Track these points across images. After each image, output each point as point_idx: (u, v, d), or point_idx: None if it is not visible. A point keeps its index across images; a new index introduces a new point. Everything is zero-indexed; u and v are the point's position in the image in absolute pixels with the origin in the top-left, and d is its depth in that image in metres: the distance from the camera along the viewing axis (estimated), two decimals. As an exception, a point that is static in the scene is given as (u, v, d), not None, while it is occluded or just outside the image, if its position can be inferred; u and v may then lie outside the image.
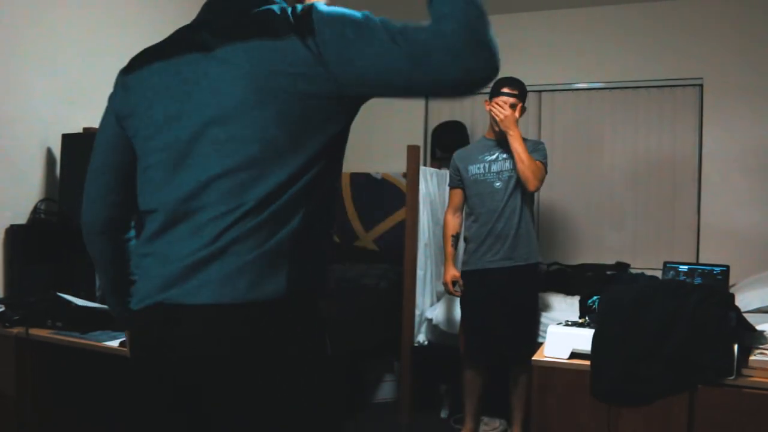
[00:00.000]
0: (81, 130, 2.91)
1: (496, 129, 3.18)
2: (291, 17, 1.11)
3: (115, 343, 2.16)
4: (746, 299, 3.06)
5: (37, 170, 2.82)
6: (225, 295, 1.09)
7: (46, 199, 2.80)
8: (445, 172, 4.18)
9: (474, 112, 4.68)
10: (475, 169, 3.23)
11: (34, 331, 2.29)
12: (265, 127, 1.11)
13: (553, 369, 2.13)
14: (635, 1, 4.19)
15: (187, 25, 1.30)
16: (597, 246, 4.36)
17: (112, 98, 1.39)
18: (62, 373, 2.43)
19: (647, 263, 4.11)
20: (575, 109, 4.44)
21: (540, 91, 4.53)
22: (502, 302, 3.14)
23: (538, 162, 3.11)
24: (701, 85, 4.12)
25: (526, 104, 3.25)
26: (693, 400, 1.97)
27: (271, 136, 1.11)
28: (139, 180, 1.28)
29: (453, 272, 3.27)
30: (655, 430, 2.00)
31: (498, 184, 3.18)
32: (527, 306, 3.22)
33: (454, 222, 3.35)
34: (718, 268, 3.46)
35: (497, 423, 3.42)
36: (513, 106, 3.13)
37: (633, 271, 3.81)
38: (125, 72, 1.35)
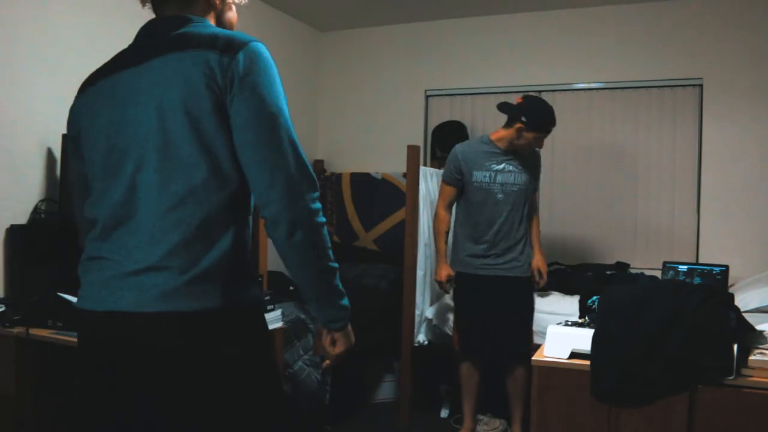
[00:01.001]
0: (81, 130, 2.91)
1: (521, 151, 3.23)
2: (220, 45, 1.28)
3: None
4: (746, 299, 3.06)
5: (37, 170, 2.82)
6: (167, 305, 1.23)
7: (46, 199, 2.80)
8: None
9: (474, 112, 4.68)
10: (480, 176, 3.22)
11: (34, 331, 2.29)
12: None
13: (553, 369, 2.13)
14: (635, 1, 4.19)
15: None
16: (597, 246, 4.35)
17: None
18: (62, 373, 2.43)
19: (647, 263, 4.11)
20: (575, 109, 4.44)
21: (540, 91, 4.53)
22: (496, 304, 3.20)
23: (536, 195, 3.39)
24: (701, 85, 4.12)
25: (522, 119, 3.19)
26: (693, 400, 1.97)
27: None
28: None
29: (447, 270, 3.30)
30: (655, 430, 2.00)
31: (500, 196, 3.19)
32: (521, 309, 3.27)
33: (447, 218, 3.34)
34: (717, 268, 3.46)
35: (497, 423, 3.42)
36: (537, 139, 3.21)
37: (633, 271, 3.82)
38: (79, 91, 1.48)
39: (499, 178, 3.20)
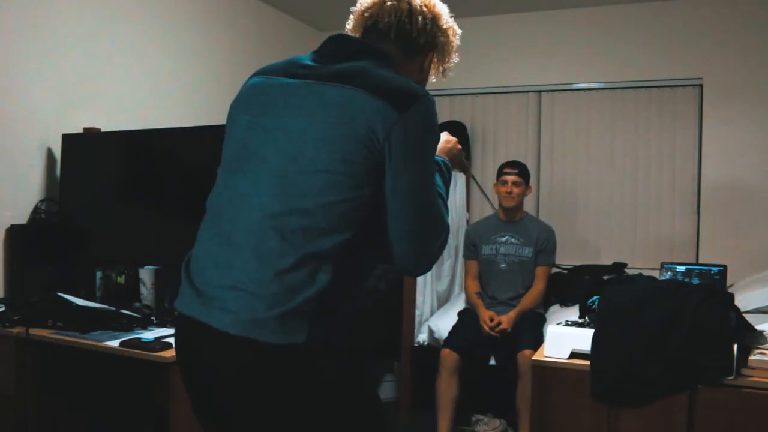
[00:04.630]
0: (81, 130, 2.91)
1: (505, 207, 3.57)
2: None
3: (115, 343, 2.16)
4: (745, 299, 3.05)
5: (37, 170, 2.82)
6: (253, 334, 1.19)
7: (46, 199, 2.80)
8: (445, 172, 4.18)
9: (474, 112, 4.68)
10: (486, 249, 3.59)
11: (34, 331, 2.29)
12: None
13: (553, 369, 2.13)
14: (635, 1, 4.19)
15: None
16: (596, 246, 4.35)
17: None
18: (62, 373, 2.43)
19: (647, 263, 4.11)
20: (575, 109, 4.44)
21: (540, 91, 4.53)
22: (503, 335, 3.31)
23: (543, 269, 3.53)
24: (701, 85, 4.12)
25: (530, 184, 3.65)
26: (693, 400, 1.97)
27: None
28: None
29: (487, 314, 3.38)
30: (655, 430, 2.00)
31: (503, 265, 3.54)
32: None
33: (474, 285, 3.60)
34: (715, 268, 3.46)
35: (497, 423, 3.42)
36: (516, 184, 3.52)
37: (631, 271, 3.82)
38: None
39: (501, 249, 3.56)
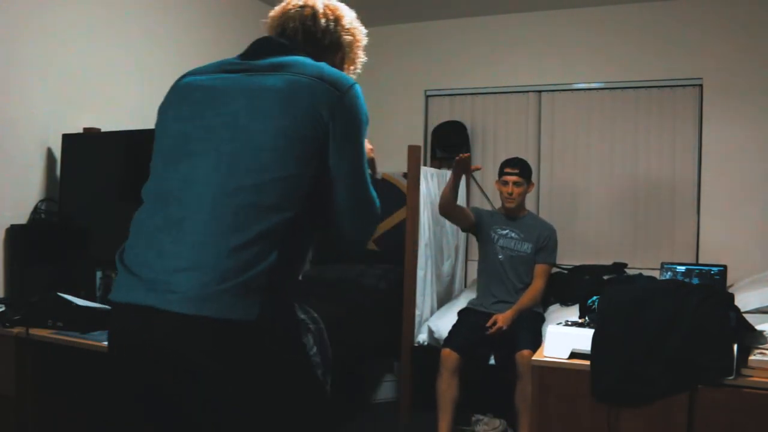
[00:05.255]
0: (81, 130, 2.91)
1: (507, 206, 3.57)
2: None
3: (115, 343, 2.16)
4: (745, 299, 3.06)
5: (37, 170, 2.82)
6: (203, 311, 1.21)
7: (46, 199, 2.80)
8: (446, 172, 4.18)
9: (474, 112, 4.69)
10: (490, 233, 3.60)
11: (34, 331, 2.29)
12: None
13: (553, 369, 2.13)
14: (635, 1, 4.20)
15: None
16: (596, 246, 4.35)
17: None
18: (62, 373, 2.43)
19: (647, 263, 4.11)
20: (575, 109, 4.44)
21: (540, 91, 4.53)
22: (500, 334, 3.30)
23: (542, 267, 3.53)
24: (701, 85, 4.12)
25: (532, 180, 3.64)
26: (693, 400, 1.97)
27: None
28: None
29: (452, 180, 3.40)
30: (655, 430, 2.00)
31: (500, 257, 3.55)
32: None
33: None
34: (715, 268, 3.46)
35: (497, 423, 3.42)
36: (517, 184, 3.50)
37: (631, 271, 3.82)
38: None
39: (500, 242, 3.57)
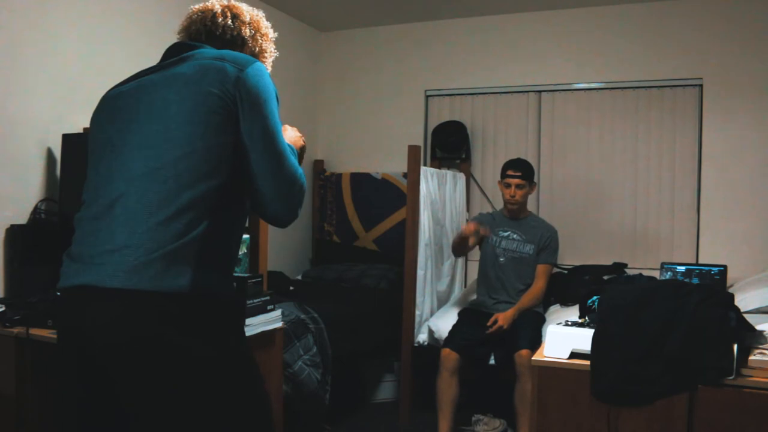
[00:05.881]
0: (81, 130, 2.91)
1: (509, 208, 3.62)
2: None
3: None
4: (745, 299, 3.06)
5: (37, 170, 2.82)
6: (134, 282, 1.28)
7: (46, 199, 2.80)
8: (446, 172, 4.19)
9: (474, 112, 4.69)
10: (492, 236, 3.62)
11: (34, 331, 2.29)
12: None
13: (553, 369, 2.13)
14: (635, 1, 4.19)
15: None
16: (596, 246, 4.35)
17: None
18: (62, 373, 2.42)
19: (647, 263, 4.11)
20: (575, 109, 4.44)
21: (540, 91, 4.53)
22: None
23: (544, 267, 3.55)
24: (701, 85, 4.12)
25: (534, 180, 3.71)
26: (693, 400, 1.97)
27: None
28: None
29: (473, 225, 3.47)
30: (655, 430, 2.00)
31: (502, 259, 3.58)
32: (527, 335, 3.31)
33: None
34: (715, 269, 3.46)
35: (497, 423, 3.42)
36: (519, 186, 3.53)
37: (631, 271, 3.82)
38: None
39: (503, 243, 3.59)
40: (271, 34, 1.71)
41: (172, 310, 1.29)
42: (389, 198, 4.60)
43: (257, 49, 1.66)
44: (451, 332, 3.39)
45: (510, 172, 3.56)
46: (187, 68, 1.43)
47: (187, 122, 1.36)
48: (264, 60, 1.68)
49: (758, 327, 2.09)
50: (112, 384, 1.33)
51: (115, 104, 1.49)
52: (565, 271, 4.01)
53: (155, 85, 1.44)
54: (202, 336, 1.32)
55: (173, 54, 1.53)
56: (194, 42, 1.58)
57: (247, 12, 1.67)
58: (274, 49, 1.73)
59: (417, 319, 3.70)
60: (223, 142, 1.38)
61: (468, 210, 4.54)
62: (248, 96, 1.40)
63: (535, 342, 3.14)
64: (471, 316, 3.47)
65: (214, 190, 1.36)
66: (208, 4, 1.65)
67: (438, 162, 4.58)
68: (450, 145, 4.49)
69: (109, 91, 1.56)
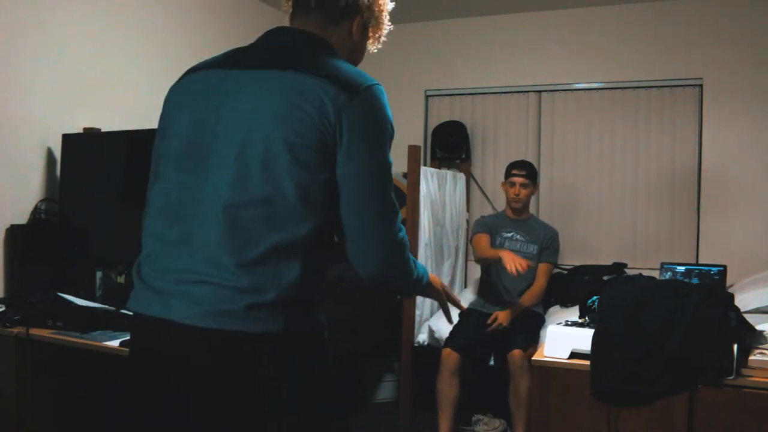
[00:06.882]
0: (81, 130, 2.91)
1: (513, 207, 3.64)
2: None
3: (115, 343, 2.16)
4: (745, 299, 3.06)
5: (37, 170, 2.82)
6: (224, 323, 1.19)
7: (46, 199, 2.80)
8: (446, 172, 4.18)
9: (474, 112, 4.69)
10: (495, 237, 3.61)
11: (34, 331, 2.29)
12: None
13: (553, 369, 2.13)
14: (635, 1, 4.19)
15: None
16: (596, 246, 4.35)
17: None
18: (62, 373, 2.43)
19: (647, 264, 4.11)
20: (575, 109, 4.44)
21: (540, 91, 4.53)
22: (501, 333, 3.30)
23: (545, 266, 3.56)
24: (701, 86, 4.12)
25: (537, 182, 3.76)
26: (693, 400, 1.97)
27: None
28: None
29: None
30: (655, 430, 2.00)
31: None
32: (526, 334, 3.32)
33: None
34: (715, 269, 3.46)
35: (497, 423, 3.42)
36: (524, 186, 3.56)
37: (630, 271, 3.82)
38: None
39: (506, 244, 3.58)
40: (389, 5, 1.47)
41: (264, 351, 1.20)
42: (389, 198, 4.59)
43: (372, 24, 1.44)
44: (451, 332, 3.39)
45: (515, 171, 3.60)
46: (290, 79, 1.23)
47: (278, 155, 1.20)
48: (378, 36, 1.47)
49: (758, 327, 2.10)
50: (184, 411, 1.27)
51: (202, 94, 1.31)
52: (565, 272, 4.01)
53: (251, 94, 1.25)
54: (292, 378, 1.24)
55: (274, 41, 1.36)
56: (302, 16, 1.38)
57: None
58: (389, 20, 1.48)
59: (417, 319, 3.70)
60: (316, 180, 1.21)
61: (468, 210, 4.54)
62: (351, 129, 1.21)
63: (529, 342, 3.17)
64: (472, 317, 3.46)
65: (305, 232, 1.22)
66: None
67: (438, 162, 4.58)
68: (450, 145, 4.49)
69: (194, 71, 1.38)
